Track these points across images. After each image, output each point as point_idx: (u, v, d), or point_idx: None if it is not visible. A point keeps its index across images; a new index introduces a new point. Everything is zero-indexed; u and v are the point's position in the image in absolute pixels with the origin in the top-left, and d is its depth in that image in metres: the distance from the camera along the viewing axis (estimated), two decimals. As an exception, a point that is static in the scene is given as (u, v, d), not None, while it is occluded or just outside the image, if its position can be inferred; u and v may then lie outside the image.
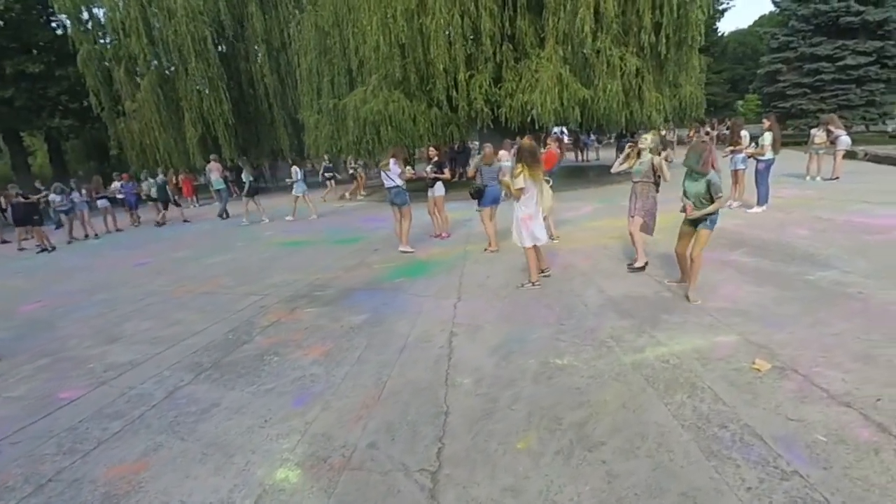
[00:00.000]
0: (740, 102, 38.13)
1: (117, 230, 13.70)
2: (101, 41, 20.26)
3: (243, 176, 12.66)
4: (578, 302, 4.77)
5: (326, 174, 16.41)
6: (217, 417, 3.23)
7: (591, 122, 11.47)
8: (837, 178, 11.14)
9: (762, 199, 8.35)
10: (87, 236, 12.76)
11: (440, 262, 6.86)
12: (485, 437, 2.75)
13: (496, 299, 5.05)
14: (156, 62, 19.57)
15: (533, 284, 5.27)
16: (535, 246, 5.24)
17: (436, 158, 8.05)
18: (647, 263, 5.53)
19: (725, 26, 64.41)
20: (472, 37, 11.57)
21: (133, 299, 6.39)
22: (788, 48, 24.04)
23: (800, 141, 17.73)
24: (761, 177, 8.37)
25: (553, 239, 7.41)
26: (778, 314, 4.04)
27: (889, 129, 25.24)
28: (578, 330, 4.10)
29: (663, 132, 18.82)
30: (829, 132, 11.18)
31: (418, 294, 5.48)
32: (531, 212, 5.20)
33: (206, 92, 18.99)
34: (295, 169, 12.05)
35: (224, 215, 13.83)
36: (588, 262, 6.16)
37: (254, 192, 12.26)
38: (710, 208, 4.38)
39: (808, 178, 11.54)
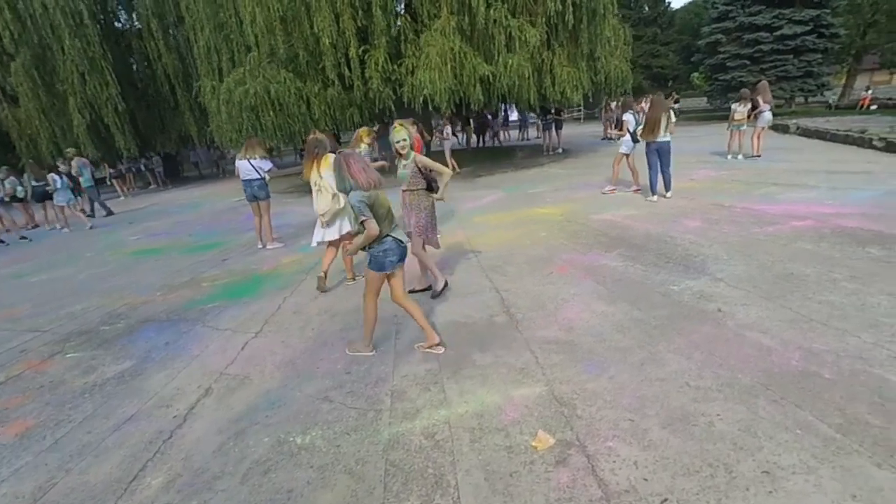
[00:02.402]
0: (696, 75, 38.10)
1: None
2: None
3: (23, 180, 11.87)
4: (392, 333, 3.93)
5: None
6: None
7: (496, 100, 10.60)
8: (759, 155, 10.74)
9: (653, 188, 7.80)
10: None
11: (279, 276, 5.91)
12: None
13: (298, 333, 4.16)
14: (32, 41, 17.37)
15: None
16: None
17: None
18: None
19: (677, -3, 64.55)
20: (363, 7, 10.42)
21: None
22: (728, 17, 23.84)
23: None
24: (650, 162, 7.78)
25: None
26: (610, 348, 3.31)
27: (829, 101, 25.69)
28: (362, 381, 3.26)
29: (614, 105, 18.25)
30: (754, 105, 10.70)
31: (218, 326, 4.52)
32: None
33: (89, 74, 17.04)
34: (52, 176, 11.16)
35: (93, 213, 12.44)
36: (445, 270, 5.33)
37: (41, 198, 11.45)
38: (359, 241, 3.31)
39: (729, 156, 11.11)
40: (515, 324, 3.84)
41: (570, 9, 9.94)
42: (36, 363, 4.18)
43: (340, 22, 10.55)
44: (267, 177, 7.20)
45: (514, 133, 24.49)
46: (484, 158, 15.84)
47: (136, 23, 19.69)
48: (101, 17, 18.45)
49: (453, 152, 12.98)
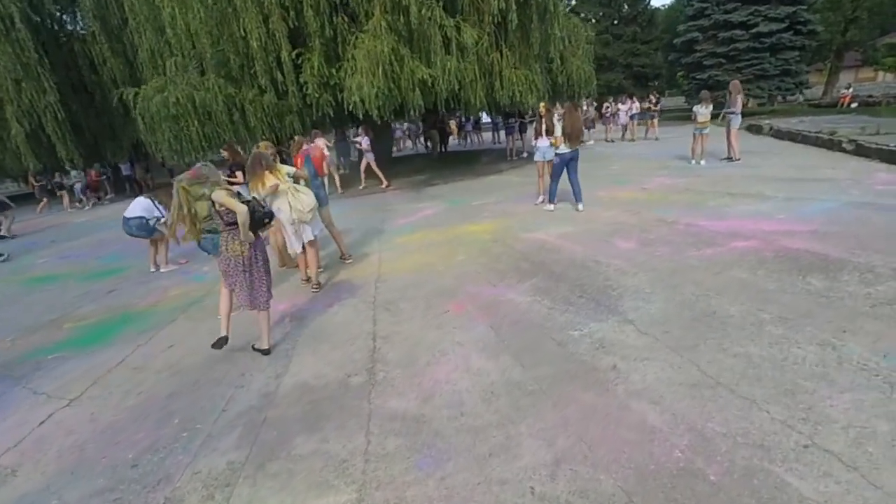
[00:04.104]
0: (681, 73, 37.68)
1: None
2: None
3: None
4: (221, 402, 3.25)
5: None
6: None
7: (441, 105, 9.96)
8: (738, 159, 10.17)
9: (550, 197, 7.57)
10: None
11: (153, 313, 5.21)
12: None
13: (118, 401, 3.46)
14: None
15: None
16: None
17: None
18: (226, 338, 3.84)
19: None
20: (294, 7, 9.73)
21: None
22: (703, 15, 23.44)
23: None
24: (553, 171, 7.49)
25: (344, 258, 5.98)
26: (464, 428, 2.67)
27: (798, 99, 25.46)
28: (142, 481, 2.59)
29: (586, 107, 17.69)
30: (730, 103, 10.20)
31: (38, 389, 3.81)
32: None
33: (24, 81, 16.18)
34: None
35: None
36: (335, 306, 4.67)
37: None
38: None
39: (693, 161, 10.56)
40: (371, 388, 3.18)
41: (514, 8, 9.31)
42: None
43: (270, 23, 9.88)
44: (153, 221, 6.58)
45: (488, 136, 23.94)
46: (445, 165, 15.21)
47: (80, 26, 18.84)
48: (38, 19, 17.56)
49: (414, 158, 12.37)
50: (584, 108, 17.74)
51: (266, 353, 3.80)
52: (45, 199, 16.82)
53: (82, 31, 18.91)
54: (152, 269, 6.83)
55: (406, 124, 21.15)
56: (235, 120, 10.68)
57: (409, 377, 3.26)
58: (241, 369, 3.67)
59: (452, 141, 25.14)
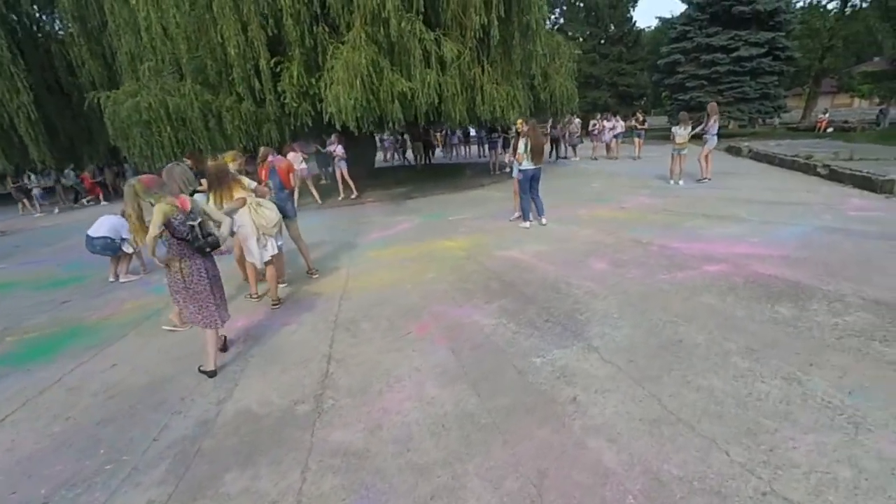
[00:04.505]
0: (665, 94, 38.28)
1: None
2: None
3: None
4: (154, 429, 3.02)
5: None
6: None
7: (421, 118, 9.87)
8: (709, 178, 10.31)
9: (524, 214, 7.60)
10: None
11: (104, 328, 4.94)
12: None
13: (44, 426, 3.21)
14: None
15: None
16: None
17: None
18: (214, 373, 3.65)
19: (643, 18, 65.78)
20: (273, 16, 9.59)
21: None
22: (686, 38, 23.89)
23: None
24: (520, 188, 7.52)
25: (310, 273, 5.78)
26: (407, 466, 2.49)
27: (774, 123, 26.07)
28: (53, 519, 2.35)
29: (572, 122, 17.78)
30: (705, 124, 10.31)
31: (-38, 410, 3.53)
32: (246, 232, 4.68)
33: (-4, 81, 15.79)
34: None
35: None
36: (294, 324, 4.46)
37: None
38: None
39: (671, 181, 10.60)
40: (317, 417, 2.99)
41: (496, 24, 9.29)
42: None
43: (249, 31, 9.71)
44: (119, 242, 6.39)
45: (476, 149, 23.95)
46: (427, 178, 15.09)
47: (59, 27, 18.49)
48: (14, 18, 17.18)
49: (397, 170, 12.20)
50: (564, 125, 17.86)
51: (211, 374, 3.59)
52: (24, 201, 16.44)
53: (60, 33, 18.56)
54: (111, 279, 6.57)
55: (390, 136, 21.06)
56: (211, 127, 10.45)
57: (358, 406, 3.07)
58: (183, 393, 3.45)
59: (439, 153, 25.16)
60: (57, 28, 18.70)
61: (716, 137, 10.53)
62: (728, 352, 3.30)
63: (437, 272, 5.65)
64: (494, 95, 10.18)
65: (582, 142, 18.54)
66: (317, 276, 5.88)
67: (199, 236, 3.43)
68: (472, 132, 26.26)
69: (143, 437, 2.96)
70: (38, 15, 18.45)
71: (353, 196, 11.86)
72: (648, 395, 2.88)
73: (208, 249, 3.48)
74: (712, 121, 10.29)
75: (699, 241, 5.95)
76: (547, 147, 14.91)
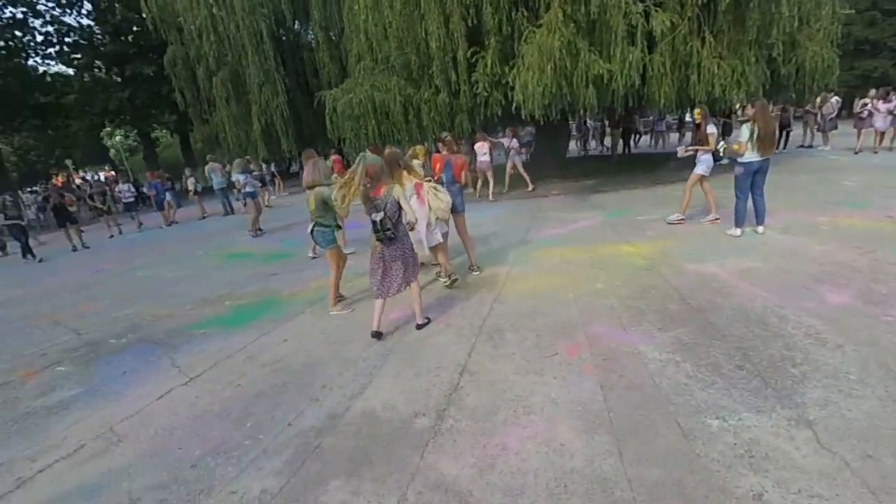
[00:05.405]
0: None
1: (167, 225, 14.58)
2: (186, 42, 22.04)
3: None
4: (291, 414, 3.18)
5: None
6: None
7: (611, 103, 8.78)
8: None
9: (738, 218, 6.08)
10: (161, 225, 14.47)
11: (290, 303, 5.56)
12: None
13: (219, 390, 3.68)
14: (228, 58, 20.78)
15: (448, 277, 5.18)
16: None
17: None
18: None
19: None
20: (474, 5, 9.64)
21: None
22: None
23: None
24: (737, 185, 6.03)
25: (472, 269, 5.71)
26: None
27: None
28: (186, 486, 2.62)
29: (827, 100, 14.32)
30: None
31: (177, 362, 4.32)
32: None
33: (264, 85, 19.64)
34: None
35: (226, 212, 14.69)
36: (441, 324, 4.35)
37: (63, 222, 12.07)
38: None
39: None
40: (431, 438, 2.77)
41: (726, -18, 7.66)
42: (29, 373, 4.51)
43: (450, 24, 9.97)
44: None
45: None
46: (621, 170, 13.72)
47: (310, 37, 22.06)
48: (281, 32, 21.09)
49: (588, 161, 11.34)
50: (816, 104, 14.24)
51: (375, 336, 4.16)
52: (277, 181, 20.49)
53: (311, 41, 22.10)
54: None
55: (590, 122, 19.82)
56: (410, 119, 11.18)
57: (477, 434, 2.74)
58: (326, 380, 3.60)
59: (644, 142, 22.95)
60: (309, 38, 22.29)
61: None
62: None
63: (606, 283, 4.91)
64: (714, 72, 8.54)
65: (836, 127, 14.53)
66: (478, 273, 5.70)
67: (378, 229, 3.95)
68: (689, 117, 23.16)
69: (281, 419, 3.15)
70: (297, 28, 22.26)
71: (529, 189, 11.45)
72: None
73: (381, 238, 4.01)
74: None
75: None
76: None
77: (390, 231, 3.96)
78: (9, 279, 9.70)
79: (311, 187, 4.99)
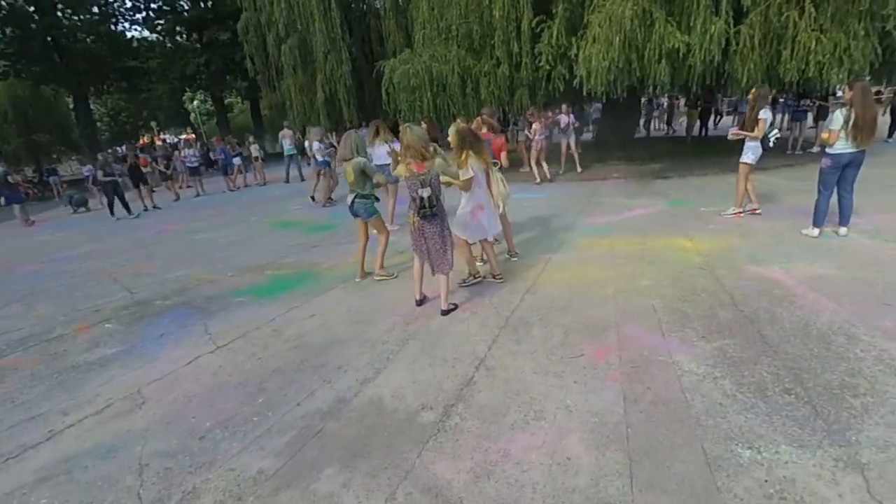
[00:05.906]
0: None
1: (230, 189, 15.46)
2: (259, 8, 22.51)
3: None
4: (302, 394, 3.20)
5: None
6: None
7: (686, 82, 8.00)
8: None
9: (817, 217, 5.38)
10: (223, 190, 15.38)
11: (325, 277, 5.65)
12: None
13: (242, 363, 3.77)
14: (297, 25, 21.08)
15: (474, 277, 4.85)
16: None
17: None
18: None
19: None
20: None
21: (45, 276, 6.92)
22: None
23: None
24: (821, 179, 5.28)
25: (510, 254, 5.52)
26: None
27: None
28: (191, 455, 2.69)
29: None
30: None
31: (210, 329, 4.49)
32: (481, 201, 4.57)
33: (330, 53, 19.81)
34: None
35: (287, 180, 15.14)
36: (467, 312, 4.22)
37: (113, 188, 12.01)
38: None
39: None
40: (433, 434, 2.67)
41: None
42: (81, 327, 4.86)
43: (516, -11, 9.49)
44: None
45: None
46: (694, 154, 12.71)
47: (378, 3, 21.90)
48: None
49: (660, 142, 10.56)
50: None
51: (418, 303, 4.37)
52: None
53: (378, 8, 21.94)
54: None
55: (664, 100, 18.47)
56: (468, 93, 10.87)
57: (480, 436, 2.62)
58: (342, 361, 3.59)
59: (725, 123, 21.19)
60: (377, 4, 22.15)
61: None
62: None
63: (653, 279, 4.56)
64: (811, 48, 7.56)
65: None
66: (516, 258, 5.48)
67: (424, 206, 3.96)
68: (782, 98, 21.10)
69: (292, 398, 3.17)
70: (364, -8, 22.23)
71: (578, 171, 11.01)
72: None
73: (422, 214, 4.02)
74: None
75: None
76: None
77: (435, 207, 4.00)
78: (88, 234, 10.56)
79: (347, 159, 4.95)
